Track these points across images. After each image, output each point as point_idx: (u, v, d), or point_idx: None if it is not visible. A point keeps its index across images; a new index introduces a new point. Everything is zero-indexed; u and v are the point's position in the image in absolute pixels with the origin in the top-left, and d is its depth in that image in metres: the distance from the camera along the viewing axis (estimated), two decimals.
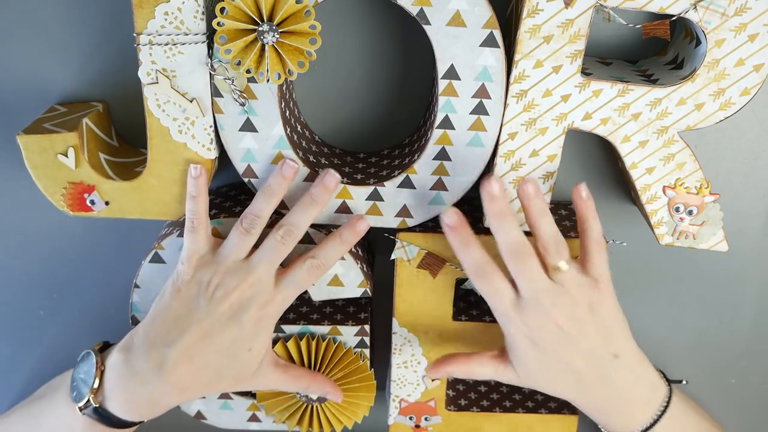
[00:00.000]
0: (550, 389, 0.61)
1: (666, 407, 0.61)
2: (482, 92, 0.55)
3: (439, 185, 0.59)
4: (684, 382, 0.72)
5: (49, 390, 0.64)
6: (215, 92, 0.55)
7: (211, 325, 0.57)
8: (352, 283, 0.64)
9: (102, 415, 0.59)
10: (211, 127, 0.56)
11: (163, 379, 0.58)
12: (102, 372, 0.59)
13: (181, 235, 0.62)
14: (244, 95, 0.55)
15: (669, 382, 0.64)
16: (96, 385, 0.59)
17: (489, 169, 0.59)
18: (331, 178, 0.57)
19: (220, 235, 0.61)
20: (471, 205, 0.66)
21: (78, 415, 0.59)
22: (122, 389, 0.59)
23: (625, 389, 0.60)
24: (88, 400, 0.58)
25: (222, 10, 0.50)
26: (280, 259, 0.58)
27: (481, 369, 0.61)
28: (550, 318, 0.56)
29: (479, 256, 0.57)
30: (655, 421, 0.61)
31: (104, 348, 0.62)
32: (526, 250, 0.56)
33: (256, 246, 0.59)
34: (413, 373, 0.68)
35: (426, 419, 0.70)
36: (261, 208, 0.57)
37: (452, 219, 0.56)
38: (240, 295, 0.57)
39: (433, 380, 0.68)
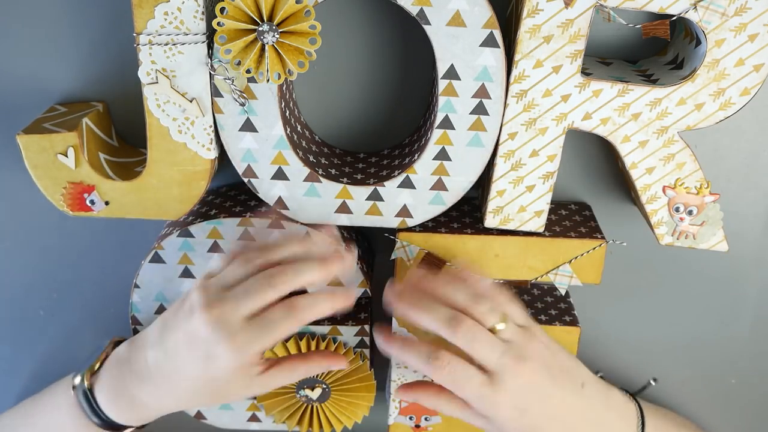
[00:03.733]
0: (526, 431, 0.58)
1: (643, 420, 0.61)
2: (482, 92, 0.55)
3: (439, 185, 0.59)
4: (652, 382, 0.71)
5: (53, 385, 0.64)
6: (215, 92, 0.55)
7: (176, 346, 0.55)
8: (352, 283, 0.64)
9: (88, 401, 0.58)
10: (211, 127, 0.56)
11: (148, 379, 0.56)
12: (105, 357, 0.59)
13: (181, 235, 0.62)
14: (244, 95, 0.55)
15: (635, 398, 0.64)
16: (96, 366, 0.59)
17: (489, 169, 0.59)
18: (351, 258, 0.56)
19: (220, 236, 0.61)
20: (471, 205, 0.66)
21: (70, 395, 0.58)
22: (114, 378, 0.58)
23: (601, 413, 0.59)
24: (82, 379, 0.58)
25: (222, 10, 0.50)
26: (254, 304, 0.53)
27: (448, 407, 0.58)
28: (525, 376, 0.54)
29: (426, 350, 0.54)
30: None
31: (119, 343, 0.62)
32: (462, 319, 0.53)
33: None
34: (413, 373, 0.67)
35: (426, 419, 0.70)
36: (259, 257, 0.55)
37: (381, 338, 0.57)
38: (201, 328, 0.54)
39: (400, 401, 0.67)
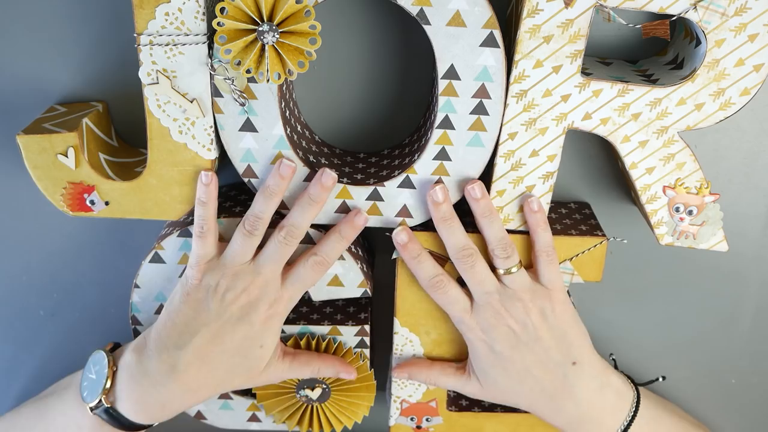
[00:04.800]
0: (514, 400, 0.62)
1: (635, 413, 0.61)
2: (482, 92, 0.55)
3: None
4: (660, 379, 0.72)
5: (58, 388, 0.64)
6: (215, 92, 0.55)
7: (222, 327, 0.58)
8: (352, 283, 0.64)
9: (113, 416, 0.59)
10: (211, 127, 0.56)
11: (175, 380, 0.58)
12: (114, 372, 0.60)
13: (181, 235, 0.62)
14: (244, 95, 0.55)
15: (636, 386, 0.64)
16: (108, 385, 0.59)
17: (489, 169, 0.59)
18: (328, 176, 0.57)
19: (222, 236, 0.61)
20: None
21: (88, 414, 0.59)
22: (134, 390, 0.59)
23: (589, 398, 0.61)
24: (100, 401, 0.59)
25: (222, 10, 0.50)
26: (285, 259, 0.59)
27: (443, 377, 0.64)
28: (502, 320, 0.59)
29: (431, 268, 0.60)
30: (626, 429, 0.61)
31: (114, 349, 0.62)
32: (471, 253, 0.58)
33: (261, 246, 0.59)
34: None
35: (427, 420, 0.70)
36: (261, 209, 0.58)
37: (402, 237, 0.59)
38: (248, 296, 0.58)
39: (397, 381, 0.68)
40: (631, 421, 0.61)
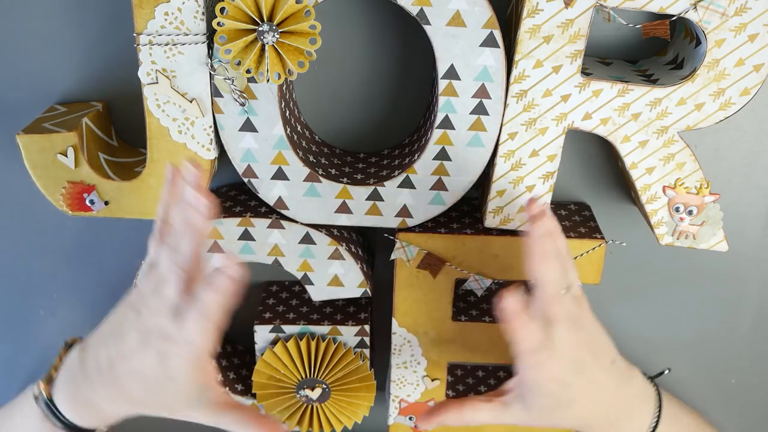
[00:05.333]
0: (566, 421, 0.58)
1: (660, 404, 0.61)
2: (482, 92, 0.55)
3: (439, 185, 0.59)
4: (666, 371, 0.72)
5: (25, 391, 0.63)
6: (215, 92, 0.55)
7: (132, 347, 0.53)
8: (352, 283, 0.64)
9: (51, 409, 0.56)
10: (210, 127, 0.56)
11: (100, 381, 0.54)
12: (60, 363, 0.57)
13: None
14: (244, 95, 0.55)
15: (652, 379, 0.64)
16: (52, 373, 0.57)
17: (489, 169, 0.59)
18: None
19: (220, 236, 0.61)
20: (471, 205, 0.66)
21: (34, 405, 0.57)
22: (69, 383, 0.56)
23: (623, 391, 0.59)
24: (41, 390, 0.56)
25: (222, 10, 0.50)
26: (172, 280, 0.51)
27: (475, 414, 0.58)
28: (573, 349, 0.55)
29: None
30: (657, 422, 0.60)
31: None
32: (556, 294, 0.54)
33: None
34: (413, 373, 0.68)
35: None
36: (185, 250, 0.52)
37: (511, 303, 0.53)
38: (155, 320, 0.52)
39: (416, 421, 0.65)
40: (659, 414, 0.60)
